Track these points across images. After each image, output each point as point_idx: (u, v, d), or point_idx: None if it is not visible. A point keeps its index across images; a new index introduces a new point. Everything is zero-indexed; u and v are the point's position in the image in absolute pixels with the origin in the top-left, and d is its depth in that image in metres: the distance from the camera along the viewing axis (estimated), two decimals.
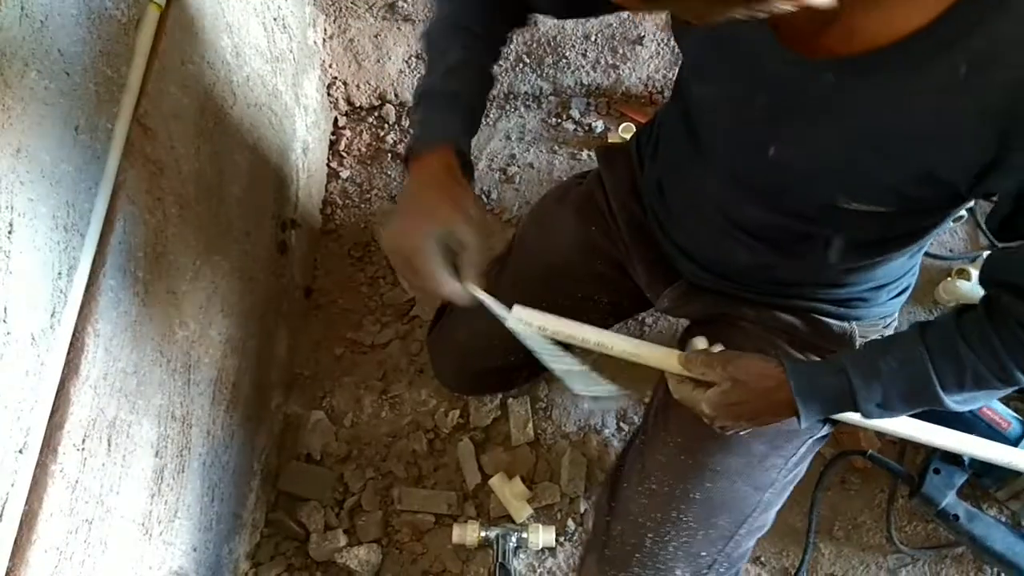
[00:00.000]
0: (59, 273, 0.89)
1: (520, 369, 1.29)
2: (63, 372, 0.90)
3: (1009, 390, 0.86)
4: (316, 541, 1.39)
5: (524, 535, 1.36)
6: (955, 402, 0.86)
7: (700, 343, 0.95)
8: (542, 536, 1.36)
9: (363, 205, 1.74)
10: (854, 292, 1.00)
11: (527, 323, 0.95)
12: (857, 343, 1.02)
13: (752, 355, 0.90)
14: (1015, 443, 1.31)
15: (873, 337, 1.04)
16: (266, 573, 1.39)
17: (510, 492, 1.38)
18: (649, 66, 1.69)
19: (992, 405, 1.35)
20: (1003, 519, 1.40)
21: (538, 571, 1.39)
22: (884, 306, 1.03)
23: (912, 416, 1.07)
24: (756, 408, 0.89)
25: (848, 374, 0.85)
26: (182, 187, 1.12)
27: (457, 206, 0.87)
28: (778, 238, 0.93)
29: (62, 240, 0.89)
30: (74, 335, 0.92)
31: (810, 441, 1.06)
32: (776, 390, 0.88)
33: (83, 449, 0.92)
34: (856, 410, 0.86)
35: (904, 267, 0.99)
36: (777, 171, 0.82)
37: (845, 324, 1.02)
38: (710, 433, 0.98)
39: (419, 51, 1.51)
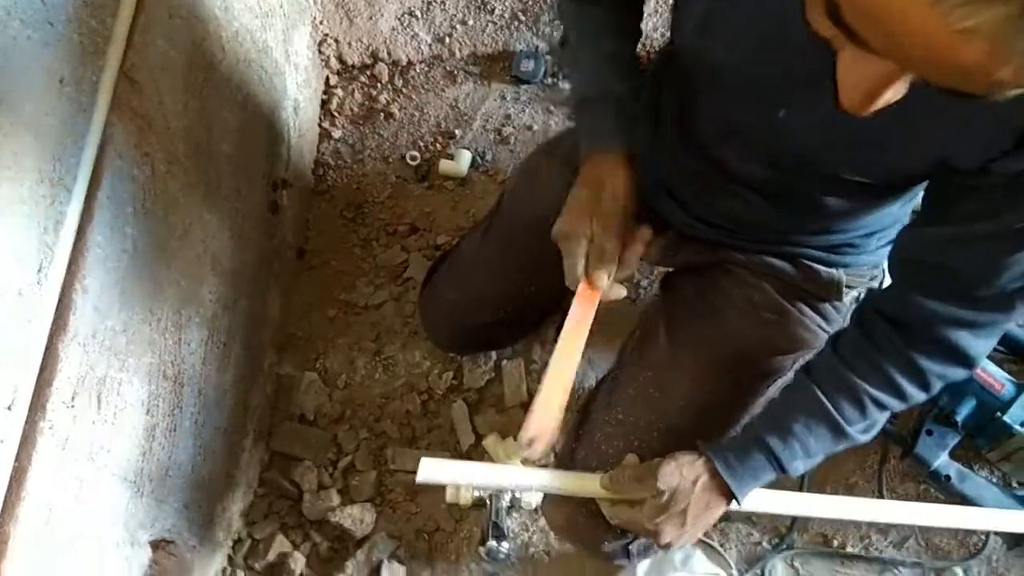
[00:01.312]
0: (45, 228, 0.87)
1: (511, 326, 1.29)
2: (51, 329, 0.89)
3: (905, 407, 0.90)
4: (310, 500, 1.39)
5: (517, 495, 1.36)
6: (861, 432, 0.89)
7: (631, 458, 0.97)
8: (536, 495, 1.36)
9: (355, 166, 1.71)
10: (844, 239, 0.99)
11: (435, 481, 0.92)
12: (844, 292, 1.02)
13: (672, 456, 0.91)
14: (1009, 404, 1.31)
15: (860, 288, 1.04)
16: (260, 532, 1.40)
17: (504, 452, 1.38)
18: (647, 24, 1.66)
19: (987, 367, 1.35)
20: (994, 480, 1.41)
21: (531, 530, 1.40)
22: (873, 254, 1.03)
23: None
24: (695, 508, 0.89)
25: (768, 443, 0.88)
26: (171, 143, 1.10)
27: (609, 224, 0.90)
28: (775, 192, 0.93)
29: (48, 194, 0.88)
30: (62, 291, 0.90)
31: (779, 382, 1.06)
32: (708, 481, 0.90)
33: (73, 406, 0.91)
34: (784, 471, 0.90)
35: (896, 215, 0.98)
36: (782, 135, 0.80)
37: (833, 271, 1.02)
38: (684, 371, 1.00)
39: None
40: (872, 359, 0.85)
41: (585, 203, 0.91)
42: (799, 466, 0.90)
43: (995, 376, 1.34)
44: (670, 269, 1.19)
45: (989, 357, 1.39)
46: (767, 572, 1.36)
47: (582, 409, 1.14)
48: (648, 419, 1.02)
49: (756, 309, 1.02)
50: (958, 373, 0.85)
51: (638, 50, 1.02)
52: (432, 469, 0.90)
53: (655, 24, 1.68)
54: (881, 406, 0.87)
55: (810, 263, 1.02)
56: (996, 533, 1.37)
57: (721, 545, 1.37)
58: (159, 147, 1.07)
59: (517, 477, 0.97)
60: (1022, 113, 0.64)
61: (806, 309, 1.03)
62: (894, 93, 0.51)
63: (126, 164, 1.00)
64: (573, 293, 0.93)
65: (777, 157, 0.86)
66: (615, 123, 0.94)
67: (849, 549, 1.39)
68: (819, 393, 0.87)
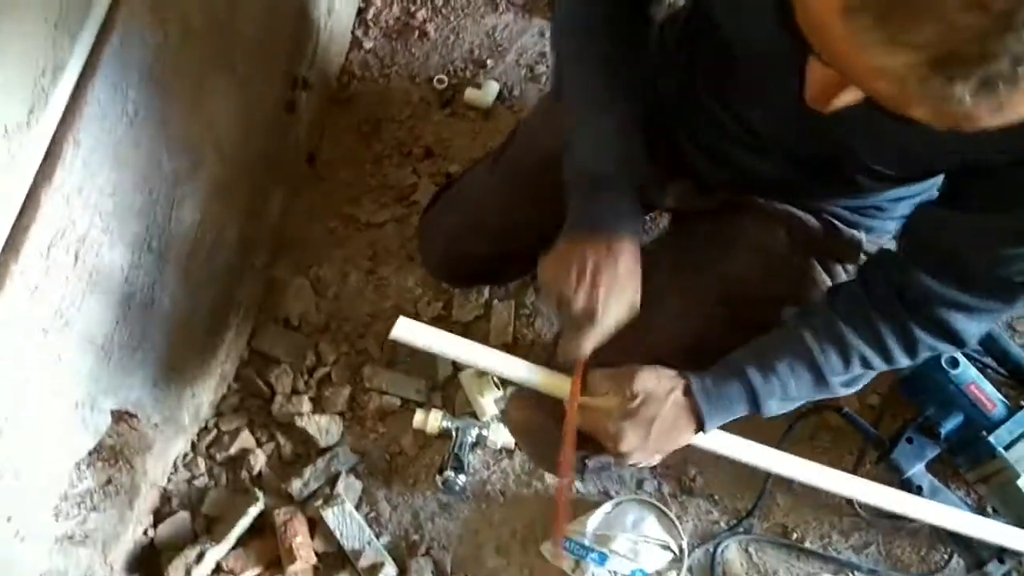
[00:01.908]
0: (42, 71, 0.85)
1: (506, 262, 1.26)
2: (36, 175, 0.87)
3: (888, 368, 0.89)
4: (280, 402, 1.39)
5: (485, 432, 1.36)
6: (842, 384, 0.89)
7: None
8: (503, 436, 1.35)
9: (381, 80, 1.68)
10: (873, 201, 0.98)
11: (409, 340, 0.90)
12: (862, 256, 1.01)
13: (652, 367, 0.90)
14: (997, 425, 1.29)
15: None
16: (227, 424, 1.40)
17: (478, 389, 1.37)
18: None
19: (982, 385, 1.32)
20: (969, 501, 1.38)
21: (491, 468, 1.39)
22: (899, 220, 1.01)
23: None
24: (663, 421, 0.88)
25: (748, 375, 0.88)
26: (189, 12, 1.07)
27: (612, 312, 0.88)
28: (805, 161, 0.90)
29: (49, 36, 0.85)
30: (53, 140, 0.89)
31: None
32: (680, 397, 0.88)
33: (47, 257, 0.90)
34: (758, 409, 0.89)
35: (925, 186, 0.96)
36: (814, 116, 0.77)
37: (855, 232, 1.00)
38: (681, 297, 0.99)
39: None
40: (867, 316, 0.85)
41: (592, 279, 0.87)
42: (774, 406, 0.89)
43: (988, 395, 1.31)
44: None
45: (987, 376, 1.35)
46: (719, 551, 1.35)
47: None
48: (637, 341, 0.98)
49: (768, 253, 0.99)
50: (948, 349, 0.86)
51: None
52: (409, 328, 0.89)
53: None
54: (866, 363, 0.87)
55: (833, 219, 1.00)
56: (959, 555, 1.34)
57: (678, 517, 1.36)
58: (175, 14, 1.04)
59: (492, 360, 0.94)
60: None
61: (817, 265, 1.01)
62: (851, 97, 0.55)
63: (138, 25, 0.97)
64: None
65: (809, 133, 0.83)
66: (629, 208, 0.91)
67: (807, 544, 1.38)
68: (809, 337, 0.87)
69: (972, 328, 0.82)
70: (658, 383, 0.88)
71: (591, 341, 0.89)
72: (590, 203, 0.92)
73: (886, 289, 0.84)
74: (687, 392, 0.89)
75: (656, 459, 0.93)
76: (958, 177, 0.79)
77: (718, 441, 0.95)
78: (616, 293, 0.87)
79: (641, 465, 0.92)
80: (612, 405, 0.88)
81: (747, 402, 0.89)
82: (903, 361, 0.87)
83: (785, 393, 0.88)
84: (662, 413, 0.87)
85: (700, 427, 0.90)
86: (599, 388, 0.90)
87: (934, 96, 0.44)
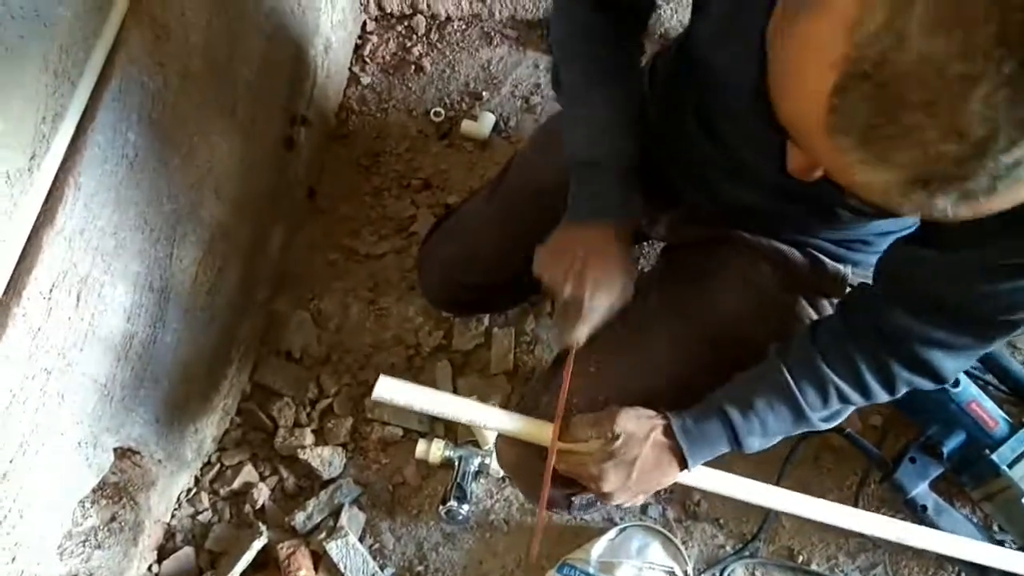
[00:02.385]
0: (43, 117, 0.87)
1: (503, 291, 1.28)
2: (38, 218, 0.89)
3: (867, 403, 0.90)
4: (283, 435, 1.40)
5: (487, 460, 1.36)
6: (821, 420, 0.89)
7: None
8: None
9: (379, 115, 1.71)
10: (857, 235, 0.98)
11: (390, 399, 0.92)
12: (847, 289, 1.01)
13: (632, 408, 0.91)
14: (1000, 443, 1.28)
15: None
16: (230, 459, 1.40)
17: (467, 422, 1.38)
18: (662, 12, 1.63)
19: (983, 403, 1.31)
20: (974, 519, 1.38)
21: (495, 497, 1.39)
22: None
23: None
24: (644, 461, 0.89)
25: (728, 413, 0.88)
26: (188, 58, 1.10)
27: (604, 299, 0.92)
28: (791, 194, 0.90)
29: (51, 84, 0.88)
30: (54, 184, 0.91)
31: None
32: (660, 437, 0.89)
33: (49, 299, 0.92)
34: (740, 446, 0.89)
35: (911, 221, 0.95)
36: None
37: (840, 266, 1.01)
38: (667, 333, 0.99)
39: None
40: (846, 352, 0.85)
41: (581, 268, 0.91)
42: (755, 443, 0.90)
43: (990, 413, 1.31)
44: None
45: (988, 394, 1.35)
46: (725, 575, 1.34)
47: (556, 360, 1.13)
48: (621, 377, 1.00)
49: (752, 289, 1.00)
50: (927, 385, 0.85)
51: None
52: (389, 387, 0.90)
53: (673, 9, 1.64)
54: (844, 398, 0.87)
55: (818, 253, 1.01)
56: (967, 574, 1.33)
57: (683, 542, 1.35)
58: (175, 59, 1.06)
59: (471, 412, 0.95)
60: None
61: (803, 300, 1.01)
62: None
63: (137, 70, 0.99)
64: None
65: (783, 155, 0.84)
66: (619, 195, 0.94)
67: (814, 567, 1.37)
68: (786, 374, 0.87)
69: (950, 365, 0.82)
70: (638, 424, 0.89)
71: (582, 329, 0.91)
72: (583, 190, 0.95)
73: (865, 324, 0.84)
74: (667, 432, 0.90)
75: (640, 499, 0.94)
76: None
77: (707, 479, 0.95)
78: (605, 281, 0.90)
79: (627, 505, 0.93)
80: (593, 448, 0.89)
81: (728, 440, 0.89)
82: (882, 396, 0.86)
83: (764, 430, 0.89)
84: (643, 454, 0.88)
85: (684, 465, 0.91)
86: (581, 433, 0.91)
87: (916, 204, 0.46)
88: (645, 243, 1.50)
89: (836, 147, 0.47)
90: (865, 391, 0.86)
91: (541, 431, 0.94)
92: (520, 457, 1.03)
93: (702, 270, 1.04)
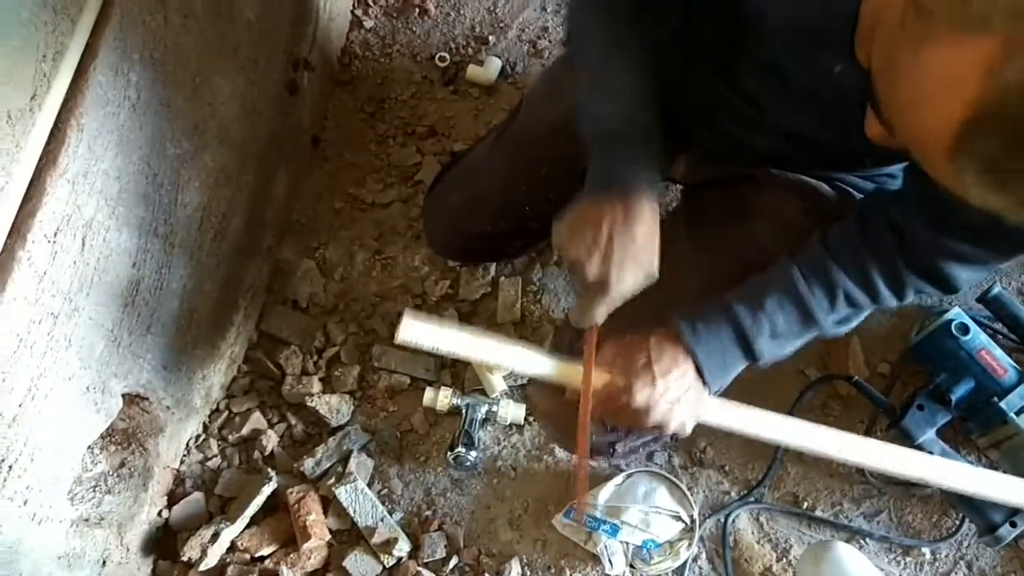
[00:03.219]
0: (43, 55, 0.85)
1: (510, 238, 1.27)
2: (40, 160, 0.88)
3: (874, 309, 0.90)
4: (291, 383, 1.40)
5: (494, 408, 1.36)
6: (832, 322, 0.89)
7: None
8: (512, 411, 1.36)
9: (383, 60, 1.67)
10: (886, 170, 0.97)
11: (416, 341, 0.86)
12: None
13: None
14: (1009, 390, 1.28)
15: None
16: (238, 406, 1.41)
17: (487, 366, 1.38)
18: None
19: (992, 351, 1.31)
20: (981, 467, 1.38)
21: (502, 444, 1.40)
22: None
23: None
24: (658, 359, 0.86)
25: (735, 310, 0.87)
26: None
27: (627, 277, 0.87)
28: (815, 144, 0.89)
29: (50, 21, 0.86)
30: (56, 125, 0.89)
31: None
32: (664, 333, 0.87)
33: (54, 242, 0.91)
34: (752, 349, 0.87)
35: None
36: (837, 87, 0.76)
37: None
38: (698, 270, 0.97)
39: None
40: (857, 254, 0.85)
41: (606, 245, 0.85)
42: (765, 346, 0.88)
43: (1000, 361, 1.31)
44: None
45: (997, 342, 1.35)
46: (730, 520, 1.36)
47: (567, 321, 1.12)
48: (651, 317, 0.97)
49: (782, 221, 0.99)
50: (936, 292, 0.86)
51: None
52: (415, 329, 0.86)
53: None
54: (852, 300, 0.87)
55: (846, 187, 1.00)
56: (970, 520, 1.34)
57: (689, 488, 1.36)
58: None
59: (501, 353, 0.90)
60: None
61: None
62: None
63: (138, 8, 0.97)
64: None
65: (827, 108, 0.81)
66: (645, 162, 0.88)
67: (819, 513, 1.38)
68: (796, 274, 0.86)
69: (964, 275, 0.83)
70: (653, 336, 0.88)
71: (604, 309, 0.87)
72: (606, 160, 0.89)
73: (882, 228, 0.84)
74: (671, 332, 0.88)
75: (676, 419, 0.87)
76: None
77: (731, 416, 0.92)
78: (631, 261, 0.85)
79: (673, 426, 0.88)
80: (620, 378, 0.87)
81: (736, 338, 0.87)
82: (890, 301, 0.87)
83: (774, 330, 0.87)
84: (652, 353, 0.86)
85: (697, 366, 0.88)
86: (615, 358, 0.89)
87: (1019, 218, 0.50)
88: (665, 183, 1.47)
89: (955, 168, 0.49)
90: (873, 294, 0.86)
91: (575, 372, 0.90)
92: (553, 404, 1.01)
93: (729, 207, 1.02)
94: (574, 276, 0.88)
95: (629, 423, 0.88)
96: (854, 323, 0.91)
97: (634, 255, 0.84)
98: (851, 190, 1.00)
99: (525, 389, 1.19)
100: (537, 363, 0.90)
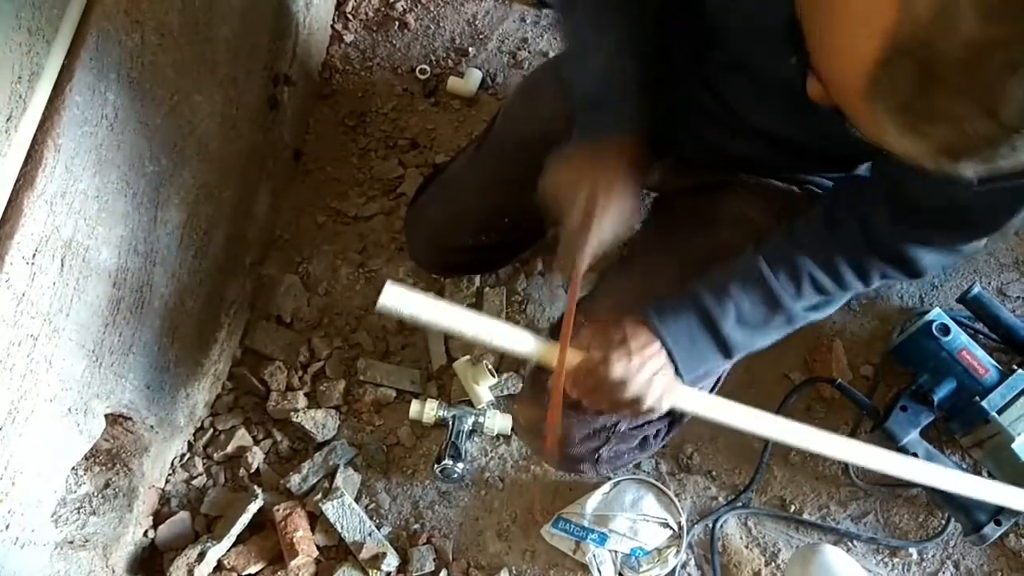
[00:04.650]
0: (19, 77, 0.85)
1: (492, 250, 1.27)
2: (17, 182, 0.87)
3: (847, 297, 0.91)
4: (276, 399, 1.40)
5: (481, 419, 1.36)
6: (802, 309, 0.89)
7: None
8: (499, 422, 1.36)
9: (364, 73, 1.68)
10: (852, 172, 0.98)
11: (397, 308, 0.87)
12: None
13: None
14: (990, 390, 1.29)
15: None
16: (223, 423, 1.40)
17: (473, 377, 1.38)
18: None
19: (973, 351, 1.32)
20: (964, 466, 1.39)
21: (490, 455, 1.40)
22: None
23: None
24: (633, 337, 0.87)
25: (700, 295, 0.88)
26: (165, 15, 1.07)
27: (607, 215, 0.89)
28: (784, 140, 0.90)
29: (25, 43, 0.85)
30: (32, 146, 0.89)
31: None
32: (635, 319, 0.88)
33: (33, 263, 0.90)
34: (719, 333, 0.88)
35: None
36: (798, 80, 0.76)
37: None
38: (668, 274, 0.98)
39: None
40: (822, 240, 0.86)
41: (591, 192, 0.88)
42: (735, 334, 0.88)
43: (980, 360, 1.32)
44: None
45: (978, 342, 1.36)
46: (718, 526, 1.36)
47: (554, 327, 1.12)
48: (627, 299, 0.99)
49: (751, 223, 0.99)
50: (902, 278, 0.87)
51: None
52: (396, 296, 0.86)
53: None
54: (817, 285, 0.87)
55: (815, 188, 1.01)
56: (956, 519, 1.35)
57: (677, 495, 1.36)
58: (151, 16, 1.03)
59: (482, 327, 0.90)
60: None
61: None
62: None
63: (114, 28, 0.97)
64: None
65: (795, 108, 0.82)
66: (628, 120, 0.91)
67: (806, 516, 1.39)
68: (761, 260, 0.87)
69: (929, 258, 0.83)
70: (626, 319, 0.89)
71: (586, 255, 0.89)
72: (592, 117, 0.92)
73: (846, 214, 0.85)
74: (640, 319, 0.89)
75: (654, 390, 0.87)
76: None
77: (703, 403, 0.93)
78: (613, 208, 0.87)
79: (648, 402, 0.87)
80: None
81: (702, 323, 0.88)
82: (856, 285, 0.87)
83: (740, 315, 0.88)
84: (628, 332, 0.87)
85: (668, 351, 0.88)
86: (594, 340, 0.89)
87: (940, 168, 0.49)
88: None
89: (871, 110, 0.49)
90: (839, 280, 0.86)
91: (552, 352, 0.90)
92: (537, 420, 1.02)
93: (700, 211, 1.03)
94: (558, 224, 0.90)
95: (607, 398, 0.88)
96: (827, 311, 0.91)
97: (616, 202, 0.87)
98: (820, 192, 1.01)
99: (511, 404, 1.19)
100: (516, 339, 0.90)
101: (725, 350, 0.90)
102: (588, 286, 1.13)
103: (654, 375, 0.86)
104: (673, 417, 1.08)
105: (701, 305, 0.88)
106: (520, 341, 0.91)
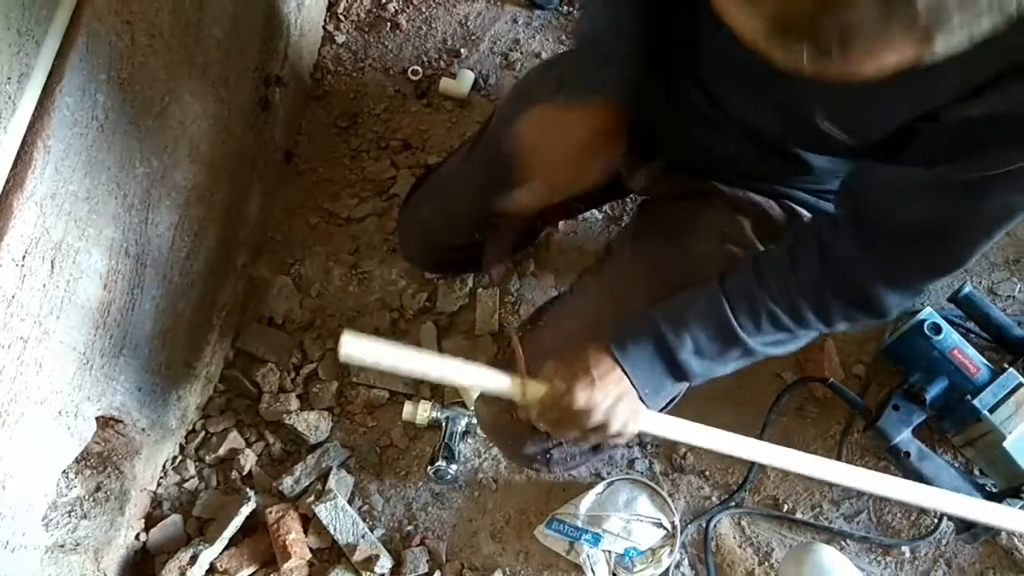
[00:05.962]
0: (8, 78, 0.85)
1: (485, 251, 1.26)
2: (7, 183, 0.87)
3: (812, 334, 0.90)
4: (268, 401, 1.39)
5: (474, 421, 1.36)
6: (761, 345, 0.89)
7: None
8: None
9: (356, 74, 1.67)
10: (832, 187, 0.97)
11: (358, 358, 0.88)
12: None
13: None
14: (982, 388, 1.30)
15: None
16: (214, 426, 1.40)
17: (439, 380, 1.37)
18: None
19: (964, 349, 1.33)
20: (956, 465, 1.40)
21: (483, 456, 1.40)
22: None
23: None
24: (595, 364, 0.88)
25: (657, 322, 0.88)
26: (155, 16, 1.06)
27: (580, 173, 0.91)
28: (768, 140, 0.91)
29: (14, 43, 0.85)
30: (22, 147, 0.88)
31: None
32: (596, 348, 0.89)
33: (23, 265, 0.90)
34: (676, 362, 0.88)
35: None
36: (781, 77, 0.77)
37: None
38: (640, 286, 0.98)
39: None
40: (784, 279, 0.85)
41: (560, 145, 0.90)
42: (693, 364, 0.89)
43: (972, 359, 1.32)
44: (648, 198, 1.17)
45: (970, 341, 1.37)
46: (712, 526, 1.36)
47: (533, 317, 1.12)
48: (594, 331, 0.98)
49: (726, 241, 1.00)
50: (863, 318, 0.86)
51: None
52: (354, 345, 0.87)
53: None
54: (776, 321, 0.87)
55: (795, 205, 1.00)
56: (948, 517, 1.36)
57: (670, 495, 1.37)
58: (142, 17, 1.03)
59: (440, 368, 0.92)
60: (984, 65, 0.62)
61: None
62: None
63: (104, 28, 0.96)
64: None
65: (781, 99, 0.83)
66: (614, 77, 0.91)
67: (799, 515, 1.39)
68: (721, 293, 0.87)
69: (892, 298, 0.82)
70: (589, 349, 0.90)
71: (541, 195, 0.91)
72: (579, 71, 0.93)
73: (809, 254, 0.85)
74: (601, 346, 0.90)
75: (619, 416, 0.89)
76: (904, 136, 0.77)
77: (669, 425, 0.94)
78: (575, 161, 0.89)
79: (614, 427, 0.89)
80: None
81: (659, 352, 0.89)
82: (816, 324, 0.87)
83: (698, 346, 0.88)
84: (585, 359, 0.88)
85: (629, 378, 0.89)
86: (556, 375, 0.90)
87: (781, 54, 0.49)
88: (624, 196, 1.49)
89: None
90: (800, 319, 0.86)
91: (505, 382, 0.91)
92: (496, 417, 1.03)
93: (678, 225, 1.04)
94: (524, 162, 0.92)
95: (573, 427, 0.89)
96: (788, 347, 0.91)
97: (586, 152, 0.89)
98: (799, 209, 1.01)
99: (474, 407, 1.20)
100: (477, 376, 0.92)
101: (683, 377, 0.91)
102: (565, 286, 1.14)
103: (618, 401, 0.88)
104: None
105: (659, 333, 0.88)
106: (484, 378, 0.92)
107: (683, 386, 0.99)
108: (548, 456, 1.06)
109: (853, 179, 0.85)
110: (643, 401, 0.90)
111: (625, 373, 0.88)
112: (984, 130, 0.66)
